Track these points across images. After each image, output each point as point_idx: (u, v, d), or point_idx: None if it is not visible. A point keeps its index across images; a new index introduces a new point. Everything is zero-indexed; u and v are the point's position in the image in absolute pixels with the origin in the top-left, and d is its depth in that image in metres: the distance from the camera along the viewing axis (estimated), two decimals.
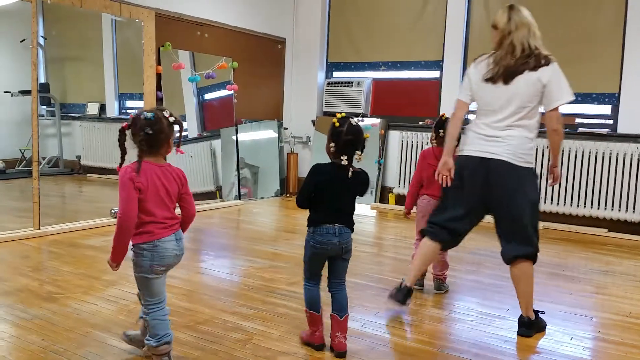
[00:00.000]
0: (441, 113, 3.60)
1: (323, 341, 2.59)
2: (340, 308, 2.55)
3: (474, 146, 2.82)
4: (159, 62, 5.55)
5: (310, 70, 7.28)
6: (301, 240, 4.66)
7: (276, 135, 7.17)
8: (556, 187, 5.65)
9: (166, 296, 2.35)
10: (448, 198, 2.96)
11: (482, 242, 4.62)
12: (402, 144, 6.51)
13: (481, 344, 2.73)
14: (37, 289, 3.24)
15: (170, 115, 2.19)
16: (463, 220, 2.92)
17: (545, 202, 5.72)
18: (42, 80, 5.28)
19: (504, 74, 2.73)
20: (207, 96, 6.39)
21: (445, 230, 2.95)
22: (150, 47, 5.41)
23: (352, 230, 2.55)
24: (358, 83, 6.93)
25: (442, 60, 6.40)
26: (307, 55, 7.27)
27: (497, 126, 2.77)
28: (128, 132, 2.17)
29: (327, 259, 2.56)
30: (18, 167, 7.04)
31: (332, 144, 2.42)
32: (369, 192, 6.68)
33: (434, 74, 6.52)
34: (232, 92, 6.38)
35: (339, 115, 2.47)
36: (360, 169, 2.52)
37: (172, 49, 5.67)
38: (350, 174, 2.44)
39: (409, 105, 6.67)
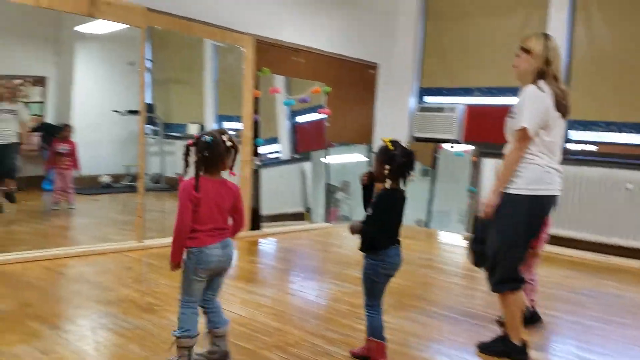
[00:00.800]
0: None
1: None
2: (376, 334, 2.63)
3: (554, 184, 2.71)
4: (256, 87, 5.75)
5: (401, 96, 7.26)
6: None
7: (366, 159, 7.19)
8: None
9: (199, 299, 2.48)
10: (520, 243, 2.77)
11: (584, 281, 4.36)
12: (497, 172, 6.29)
13: None
14: (138, 300, 3.41)
15: (229, 139, 2.38)
16: None
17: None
18: (148, 101, 5.61)
19: (568, 108, 2.72)
20: (300, 119, 6.53)
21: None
22: (249, 72, 5.62)
23: None
24: (451, 109, 6.82)
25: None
26: (400, 81, 7.26)
27: (558, 160, 2.75)
28: (192, 149, 2.38)
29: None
30: (123, 182, 7.51)
31: (387, 167, 2.46)
32: (459, 220, 6.53)
33: None
34: (324, 115, 6.48)
35: (387, 139, 2.51)
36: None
37: (269, 74, 5.85)
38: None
39: (504, 133, 6.46)
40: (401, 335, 3.09)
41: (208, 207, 2.38)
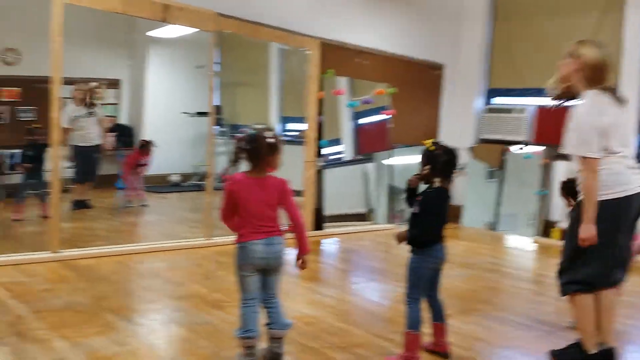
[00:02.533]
0: None
1: None
2: (442, 316, 2.71)
3: (631, 184, 2.58)
4: (321, 88, 5.78)
5: (468, 96, 7.11)
6: (455, 271, 4.53)
7: None
8: None
9: (258, 297, 2.50)
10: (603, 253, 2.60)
11: None
12: (570, 174, 6.05)
13: None
14: (207, 296, 3.51)
15: (273, 136, 2.43)
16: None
17: None
18: (215, 103, 5.76)
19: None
20: (363, 121, 6.51)
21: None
22: (314, 74, 5.66)
23: None
24: (520, 110, 6.61)
25: (617, 85, 5.88)
26: (466, 81, 7.11)
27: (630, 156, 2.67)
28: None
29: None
30: (191, 181, 7.75)
31: (428, 167, 2.53)
32: (528, 224, 6.31)
33: None
34: (387, 116, 6.44)
35: (428, 141, 2.59)
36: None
37: (333, 76, 5.87)
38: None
39: None
40: (467, 341, 3.03)
41: (251, 203, 2.43)
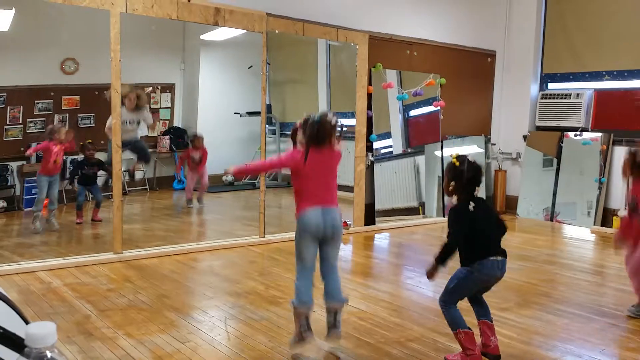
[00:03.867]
0: None
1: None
2: (488, 313, 2.65)
3: None
4: (370, 82, 5.78)
5: (522, 83, 6.93)
6: (512, 263, 4.45)
7: (482, 151, 6.96)
8: None
9: (314, 270, 2.65)
10: None
11: None
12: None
13: None
14: (263, 292, 3.59)
15: (333, 116, 2.66)
16: None
17: None
18: (265, 101, 5.85)
19: None
20: (413, 113, 6.46)
21: None
22: (363, 68, 5.66)
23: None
24: (577, 95, 6.40)
25: None
26: (520, 67, 6.94)
27: None
28: (300, 131, 2.69)
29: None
30: (244, 180, 7.89)
31: (453, 183, 2.55)
32: (587, 213, 6.11)
33: None
34: (438, 108, 6.37)
35: (454, 155, 2.59)
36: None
37: (382, 69, 5.86)
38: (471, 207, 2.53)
39: (638, 118, 5.96)
40: (526, 335, 2.98)
41: (314, 178, 2.63)
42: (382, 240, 5.53)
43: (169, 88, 7.93)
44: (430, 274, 2.59)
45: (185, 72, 8.15)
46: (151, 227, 5.60)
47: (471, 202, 2.53)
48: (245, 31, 5.07)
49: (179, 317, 3.13)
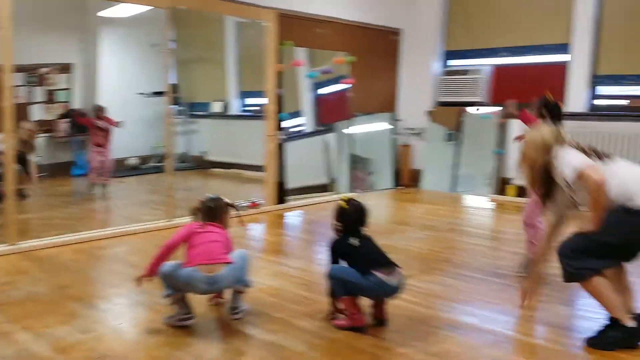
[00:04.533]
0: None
1: (365, 321, 2.69)
2: None
3: None
4: (279, 61, 5.74)
5: (425, 60, 7.15)
6: (416, 233, 4.64)
7: (390, 127, 7.14)
8: None
9: None
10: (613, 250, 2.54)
11: None
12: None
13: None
14: None
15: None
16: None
17: None
18: (171, 81, 5.68)
19: None
20: (323, 91, 6.51)
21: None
22: (272, 46, 5.60)
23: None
24: (476, 70, 6.70)
25: (570, 43, 6.01)
26: (423, 45, 7.14)
27: None
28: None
29: None
30: (150, 163, 7.64)
31: (340, 224, 2.74)
32: (486, 183, 6.46)
33: (560, 57, 6.13)
34: (347, 85, 6.44)
35: (344, 198, 2.81)
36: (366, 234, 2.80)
37: (291, 47, 5.82)
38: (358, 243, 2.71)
39: (533, 92, 6.29)
40: (428, 299, 3.13)
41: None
42: (293, 218, 5.57)
43: (66, 68, 7.49)
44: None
45: (85, 51, 7.72)
46: (49, 216, 5.30)
47: (354, 238, 2.71)
48: (148, 7, 4.86)
49: (82, 307, 3.00)
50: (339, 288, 2.68)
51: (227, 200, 2.91)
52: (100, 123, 6.28)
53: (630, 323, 2.50)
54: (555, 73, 6.12)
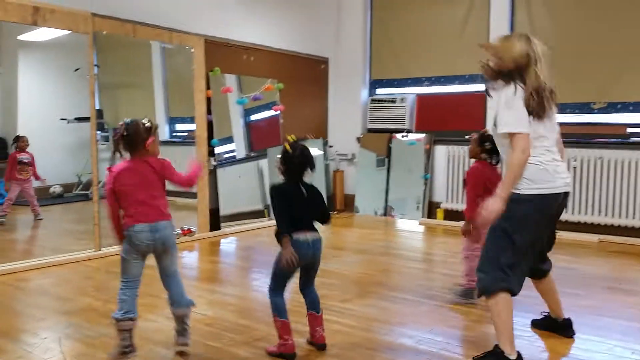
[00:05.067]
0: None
1: (295, 349, 2.68)
2: (315, 305, 2.79)
3: (559, 180, 2.55)
4: (208, 87, 5.73)
5: (353, 88, 7.36)
6: (351, 257, 4.71)
7: (322, 152, 7.25)
8: (614, 199, 5.51)
9: (140, 280, 2.64)
10: (520, 252, 2.54)
11: None
12: (449, 158, 6.48)
13: (534, 356, 2.70)
14: (101, 308, 3.38)
15: (149, 121, 2.58)
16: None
17: (600, 214, 5.60)
18: (95, 107, 5.53)
19: None
20: (254, 117, 6.53)
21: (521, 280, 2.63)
22: (200, 72, 5.60)
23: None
24: (402, 99, 6.96)
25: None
26: (350, 74, 7.36)
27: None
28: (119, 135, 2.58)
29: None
30: (75, 191, 7.34)
31: (283, 167, 2.70)
32: (416, 207, 6.68)
33: (479, 87, 6.49)
34: (278, 112, 6.51)
35: (290, 139, 2.74)
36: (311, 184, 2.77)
37: (220, 74, 5.84)
38: (304, 192, 2.69)
39: (454, 120, 6.64)
40: (366, 322, 3.18)
41: (133, 189, 2.55)
42: (228, 244, 5.51)
43: None
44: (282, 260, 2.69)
45: (2, 76, 7.37)
46: None
47: (296, 184, 2.68)
48: (69, 32, 4.74)
49: (6, 341, 2.83)
50: (274, 306, 2.69)
51: (146, 121, 2.59)
52: (23, 157, 5.99)
53: (513, 356, 2.50)
54: (475, 102, 6.46)
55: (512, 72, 2.56)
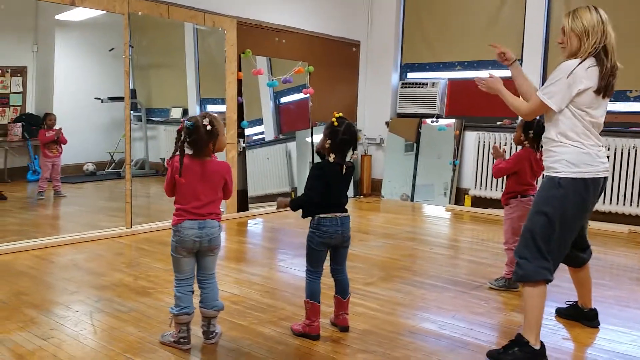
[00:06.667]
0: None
1: (319, 331, 2.71)
2: (343, 291, 2.79)
3: (600, 165, 2.52)
4: (239, 69, 5.76)
5: (384, 72, 7.31)
6: (376, 241, 4.73)
7: None
8: None
9: (193, 276, 2.63)
10: (560, 238, 2.52)
11: None
12: (479, 144, 6.41)
13: (561, 348, 2.70)
14: (132, 284, 3.48)
15: (210, 123, 2.50)
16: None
17: (631, 205, 5.49)
18: (129, 87, 5.62)
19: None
20: (284, 100, 6.56)
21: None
22: (232, 54, 5.63)
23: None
24: (433, 84, 6.89)
25: (521, 58, 6.26)
26: (382, 57, 7.31)
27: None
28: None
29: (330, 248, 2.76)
30: (107, 169, 7.51)
31: (328, 141, 2.64)
32: (443, 193, 6.64)
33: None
34: (307, 95, 6.52)
35: (336, 115, 2.68)
36: (351, 162, 2.75)
37: (251, 56, 5.87)
38: (344, 170, 2.66)
39: (486, 106, 6.54)
40: (389, 306, 3.20)
41: (191, 186, 2.53)
42: (255, 225, 5.58)
43: (20, 71, 7.28)
44: (279, 205, 2.79)
45: (39, 54, 7.53)
46: (3, 222, 5.15)
47: (338, 162, 2.65)
48: (105, 12, 4.82)
49: (39, 313, 2.94)
50: (309, 288, 2.72)
51: (207, 122, 2.50)
52: (50, 134, 6.14)
53: (537, 346, 2.49)
54: (508, 87, 6.33)
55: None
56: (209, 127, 2.50)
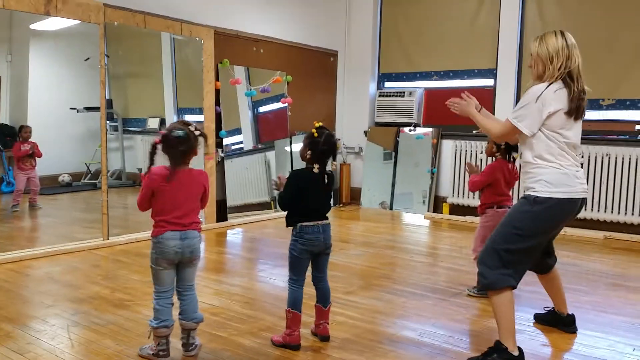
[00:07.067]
0: None
1: (300, 340, 2.72)
2: (325, 299, 2.80)
3: (578, 185, 2.57)
4: (217, 78, 5.75)
5: (362, 82, 7.36)
6: (356, 250, 4.74)
7: None
8: (620, 196, 5.50)
9: (173, 288, 2.59)
10: (527, 251, 2.58)
11: None
12: (456, 153, 6.49)
13: (539, 354, 2.73)
14: (109, 296, 3.43)
15: (196, 129, 2.50)
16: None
17: (606, 211, 5.60)
18: (105, 96, 5.56)
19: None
20: (262, 109, 6.56)
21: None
22: (209, 63, 5.62)
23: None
24: (410, 93, 6.96)
25: (496, 69, 6.36)
26: (359, 67, 7.36)
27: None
28: (159, 146, 2.48)
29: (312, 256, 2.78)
30: (83, 180, 7.40)
31: (309, 152, 2.69)
32: (422, 201, 6.69)
33: (488, 82, 6.49)
34: (286, 105, 6.53)
35: (317, 124, 2.72)
36: (330, 171, 2.80)
37: (229, 65, 5.86)
38: (326, 179, 2.72)
39: (461, 115, 6.63)
40: (369, 314, 3.21)
41: (169, 196, 2.50)
42: (234, 235, 5.55)
43: None
44: (277, 184, 2.84)
45: (13, 64, 7.41)
46: None
47: (315, 170, 2.70)
48: (80, 22, 4.78)
49: (15, 328, 2.88)
50: (291, 297, 2.72)
51: (193, 128, 2.49)
52: (26, 147, 6.04)
53: (515, 352, 2.52)
54: (483, 96, 6.44)
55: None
56: (197, 132, 2.50)
